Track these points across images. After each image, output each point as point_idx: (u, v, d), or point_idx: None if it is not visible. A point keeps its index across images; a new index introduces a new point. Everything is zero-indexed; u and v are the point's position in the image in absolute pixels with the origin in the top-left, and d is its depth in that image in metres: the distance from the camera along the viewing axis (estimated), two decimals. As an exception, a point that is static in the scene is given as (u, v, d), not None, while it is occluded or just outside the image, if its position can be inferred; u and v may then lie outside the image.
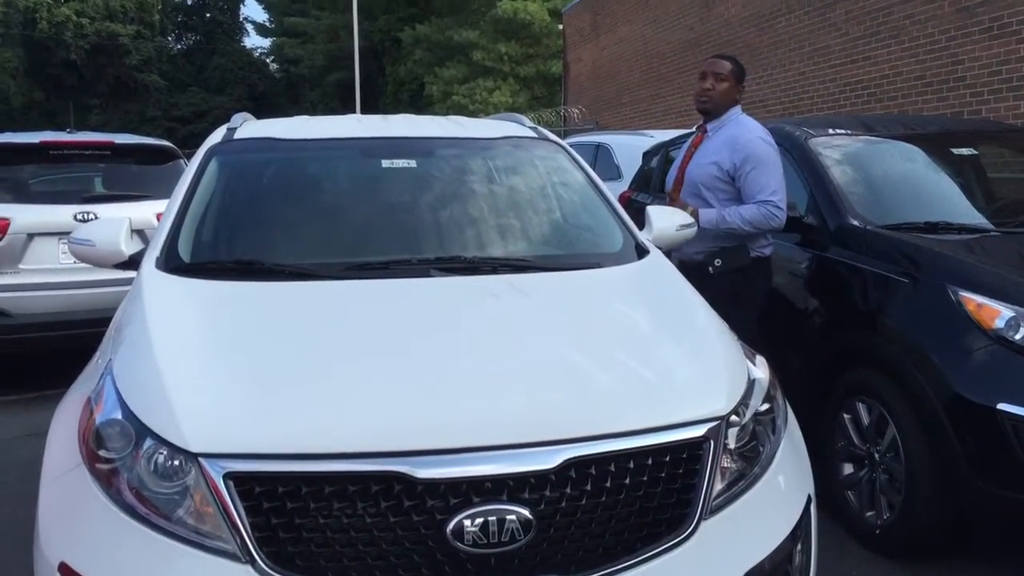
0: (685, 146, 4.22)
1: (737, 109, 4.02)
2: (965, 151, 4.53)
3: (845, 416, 3.57)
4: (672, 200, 4.05)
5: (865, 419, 3.46)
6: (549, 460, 1.82)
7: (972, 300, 3.11)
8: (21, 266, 5.53)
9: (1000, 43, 7.74)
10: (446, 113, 24.02)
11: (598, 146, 9.46)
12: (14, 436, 4.87)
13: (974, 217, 4.02)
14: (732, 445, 2.06)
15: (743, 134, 3.86)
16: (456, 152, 3.50)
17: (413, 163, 3.33)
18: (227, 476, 1.77)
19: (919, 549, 3.28)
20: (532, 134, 3.76)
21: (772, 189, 3.75)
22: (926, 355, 3.16)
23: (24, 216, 5.55)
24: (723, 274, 3.76)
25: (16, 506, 3.78)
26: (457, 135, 3.65)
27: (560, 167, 3.55)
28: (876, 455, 3.39)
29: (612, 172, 8.56)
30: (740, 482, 2.05)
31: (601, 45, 18.39)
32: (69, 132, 6.70)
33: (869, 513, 3.42)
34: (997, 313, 3.03)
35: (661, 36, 15.25)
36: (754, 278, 3.87)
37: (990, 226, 3.87)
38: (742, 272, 3.80)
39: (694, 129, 4.31)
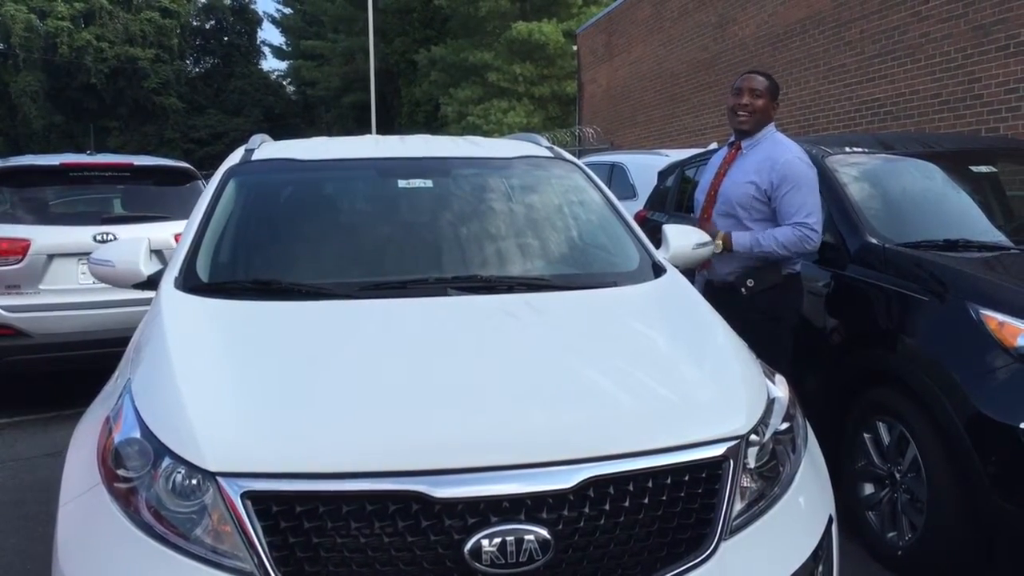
0: (715, 163, 4.11)
1: (772, 126, 3.93)
2: (984, 168, 4.51)
3: (865, 436, 3.54)
4: (704, 220, 3.93)
5: (886, 439, 3.42)
6: (567, 479, 1.81)
7: (994, 318, 3.08)
8: (41, 287, 5.58)
9: (1016, 61, 7.72)
10: (461, 133, 24.13)
11: (613, 166, 9.47)
12: (33, 456, 4.89)
13: (993, 235, 3.99)
14: (752, 465, 2.04)
15: (782, 153, 3.75)
16: (473, 172, 3.51)
17: (430, 183, 3.34)
18: (245, 495, 1.77)
19: (941, 570, 3.23)
20: (548, 154, 3.77)
21: (807, 211, 3.66)
22: (947, 374, 3.13)
23: (44, 237, 5.62)
24: (756, 294, 3.72)
25: (36, 525, 3.80)
26: (473, 155, 3.66)
27: (576, 186, 3.56)
28: (897, 475, 3.36)
29: (627, 191, 8.57)
30: (760, 502, 2.03)
31: (615, 65, 18.46)
32: (89, 154, 6.78)
33: (891, 534, 3.38)
34: (1019, 331, 3.00)
35: (675, 56, 15.29)
36: (787, 296, 3.81)
37: (1010, 243, 3.84)
38: (775, 290, 3.75)
39: (714, 145, 4.25)
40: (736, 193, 3.83)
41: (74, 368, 5.62)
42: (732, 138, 4.05)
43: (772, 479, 2.09)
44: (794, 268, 3.82)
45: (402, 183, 3.33)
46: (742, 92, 3.88)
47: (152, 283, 3.01)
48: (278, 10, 49.75)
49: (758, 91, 3.86)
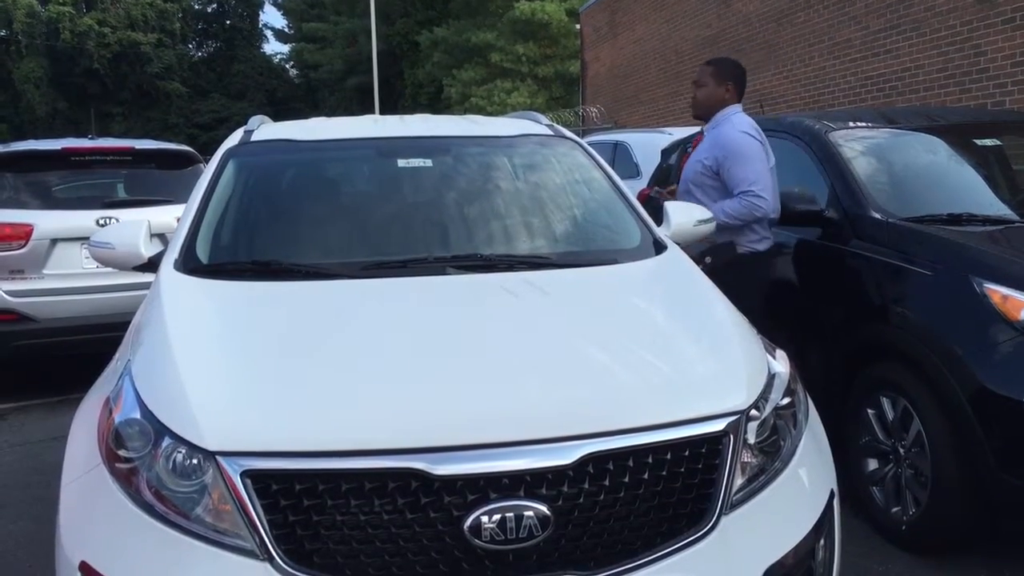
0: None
1: (730, 109, 4.10)
2: (988, 142, 4.47)
3: (869, 411, 3.53)
4: (661, 196, 4.21)
5: (889, 414, 3.41)
6: (567, 456, 1.81)
7: (997, 292, 3.06)
8: (45, 271, 5.59)
9: (1022, 33, 7.64)
10: (464, 115, 24.06)
11: (616, 144, 9.43)
12: (39, 440, 4.92)
13: (998, 208, 3.96)
14: (752, 440, 2.03)
15: (727, 131, 3.98)
16: (472, 150, 3.50)
17: (429, 162, 3.33)
18: (244, 474, 1.77)
19: (945, 544, 3.24)
20: (548, 131, 3.75)
21: (750, 181, 3.83)
22: (951, 348, 3.12)
23: (47, 222, 5.62)
24: (715, 271, 3.73)
25: (42, 508, 3.83)
26: (473, 133, 3.64)
27: (576, 163, 3.54)
28: (901, 450, 3.35)
29: (631, 170, 8.54)
30: (761, 477, 2.03)
31: (619, 44, 18.34)
32: (90, 138, 6.77)
33: (895, 509, 3.37)
34: (1023, 305, 2.99)
35: (679, 34, 15.19)
36: (748, 274, 3.87)
37: (1015, 217, 3.81)
38: (735, 268, 3.82)
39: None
40: (689, 172, 4.13)
41: (79, 352, 5.64)
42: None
43: (773, 454, 2.08)
44: (755, 247, 3.88)
45: (401, 162, 3.32)
46: (693, 85, 4.24)
47: (153, 265, 3.00)
48: (279, -8, 49.57)
49: (700, 81, 4.18)
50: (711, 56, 5.02)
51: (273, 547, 1.74)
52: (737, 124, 3.99)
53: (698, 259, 3.74)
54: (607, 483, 1.83)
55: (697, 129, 6.82)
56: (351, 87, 41.01)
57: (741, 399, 2.04)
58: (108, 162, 6.34)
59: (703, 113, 4.21)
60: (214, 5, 53.83)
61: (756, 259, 3.93)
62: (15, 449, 4.80)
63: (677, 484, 1.89)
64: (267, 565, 1.74)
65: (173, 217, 5.55)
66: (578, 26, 22.47)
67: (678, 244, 3.16)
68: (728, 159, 3.90)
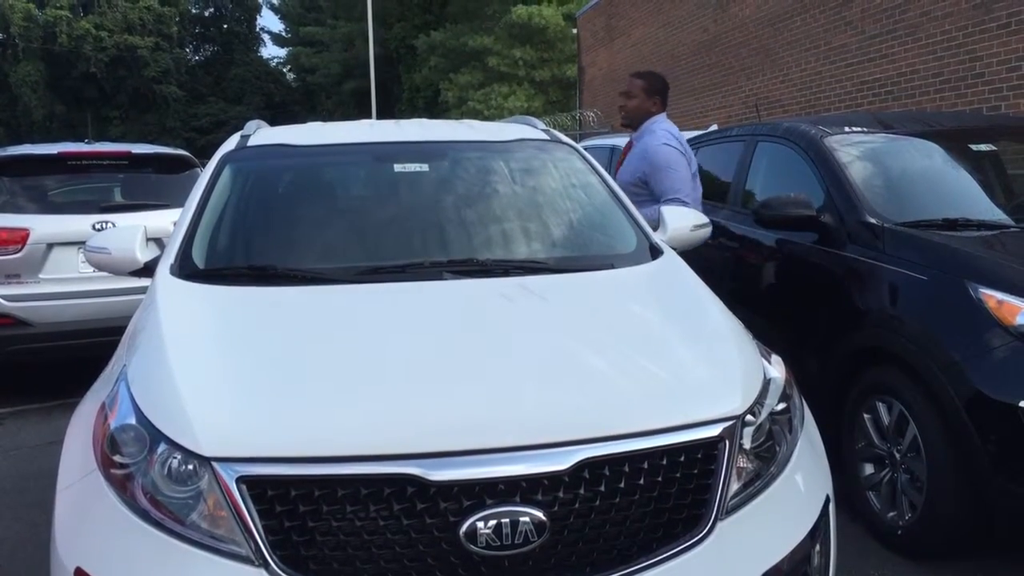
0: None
1: (655, 118, 4.52)
2: (983, 147, 4.47)
3: (865, 416, 3.53)
4: None
5: (885, 419, 3.41)
6: (562, 461, 1.81)
7: (993, 297, 3.07)
8: (41, 276, 5.57)
9: (1018, 38, 7.66)
10: (461, 119, 24.06)
11: (613, 148, 9.42)
12: (36, 444, 4.91)
13: (993, 213, 3.96)
14: (748, 445, 2.03)
15: (651, 144, 4.36)
16: (468, 155, 3.50)
17: (425, 167, 3.33)
18: (240, 480, 1.77)
19: (941, 549, 3.24)
20: (544, 136, 3.75)
21: (675, 189, 4.22)
22: (946, 353, 3.12)
23: (44, 226, 5.60)
24: None
25: (39, 513, 3.82)
26: (469, 138, 3.65)
27: (573, 168, 3.54)
28: (897, 455, 3.35)
29: (627, 174, 8.54)
30: (756, 482, 2.03)
31: (615, 48, 18.38)
32: (87, 143, 6.76)
33: (891, 513, 3.38)
34: (1018, 309, 2.99)
35: (675, 38, 15.21)
36: None
37: (1010, 222, 3.81)
38: None
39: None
40: (622, 182, 4.31)
41: (76, 357, 5.63)
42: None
43: (768, 459, 2.09)
44: None
45: (398, 167, 3.31)
46: (622, 95, 4.60)
47: (149, 270, 3.00)
48: (276, -4, 49.60)
49: (630, 92, 4.57)
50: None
51: (268, 553, 1.74)
52: (660, 136, 4.36)
53: None
54: (603, 488, 1.83)
55: (700, 132, 6.87)
56: (348, 91, 41.08)
57: (737, 404, 2.04)
58: (105, 166, 6.32)
59: (631, 123, 4.61)
60: (211, 9, 53.89)
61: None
62: (10, 454, 4.79)
63: (673, 489, 1.89)
64: (263, 571, 1.74)
65: (170, 221, 5.55)
66: (575, 30, 22.50)
67: (674, 249, 3.16)
68: (656, 172, 4.27)
